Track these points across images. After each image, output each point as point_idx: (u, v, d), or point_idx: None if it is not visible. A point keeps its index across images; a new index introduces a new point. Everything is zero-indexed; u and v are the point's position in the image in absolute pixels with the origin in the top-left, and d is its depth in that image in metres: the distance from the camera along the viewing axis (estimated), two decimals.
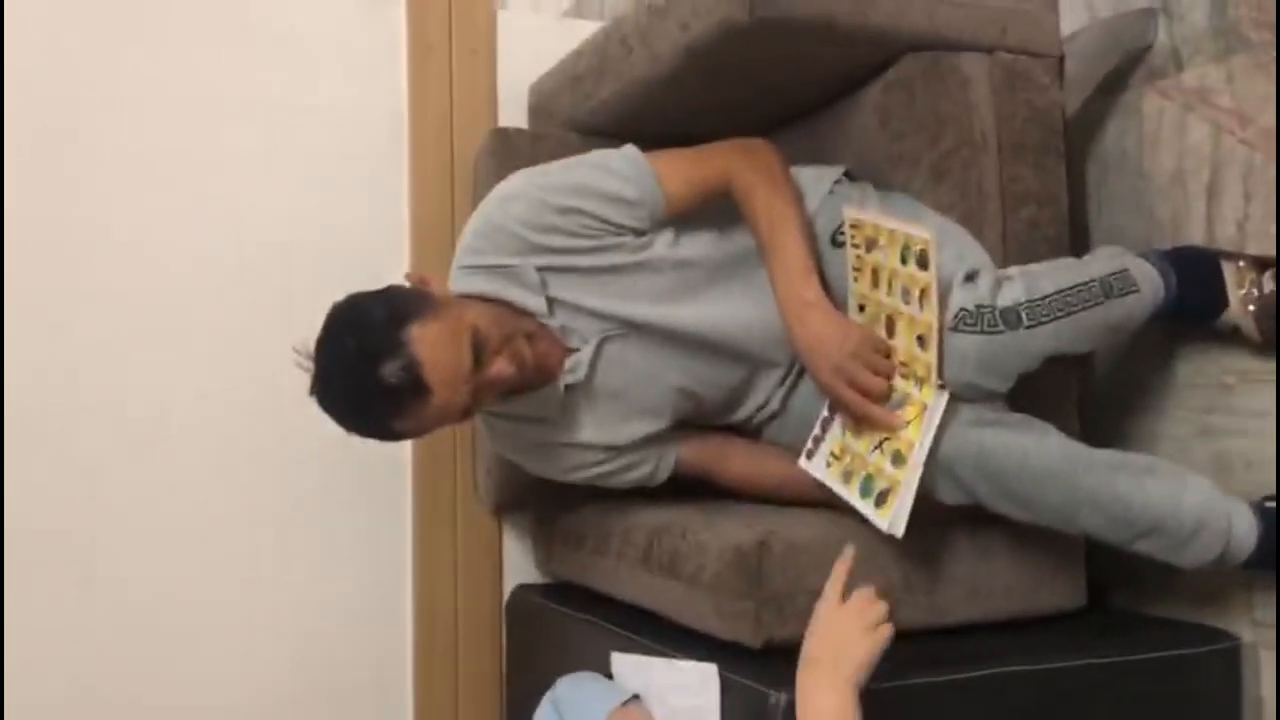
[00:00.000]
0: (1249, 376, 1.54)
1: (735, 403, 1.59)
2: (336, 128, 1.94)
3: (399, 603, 1.95)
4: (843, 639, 1.13)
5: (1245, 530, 1.35)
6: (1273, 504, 1.40)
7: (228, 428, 1.86)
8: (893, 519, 1.27)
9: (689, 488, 1.67)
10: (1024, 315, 1.30)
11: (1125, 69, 1.71)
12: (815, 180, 1.57)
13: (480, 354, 1.35)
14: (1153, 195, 1.68)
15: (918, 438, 1.28)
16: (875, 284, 1.36)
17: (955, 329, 1.29)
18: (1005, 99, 1.52)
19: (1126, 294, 1.40)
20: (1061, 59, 1.58)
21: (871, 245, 1.35)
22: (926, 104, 1.51)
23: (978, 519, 1.42)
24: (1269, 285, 1.46)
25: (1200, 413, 1.60)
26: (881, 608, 1.16)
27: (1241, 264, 1.49)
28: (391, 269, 1.92)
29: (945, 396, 1.27)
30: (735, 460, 1.62)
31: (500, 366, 1.37)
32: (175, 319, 1.84)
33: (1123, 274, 1.41)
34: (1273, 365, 1.51)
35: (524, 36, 2.04)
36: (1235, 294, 1.47)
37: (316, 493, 1.89)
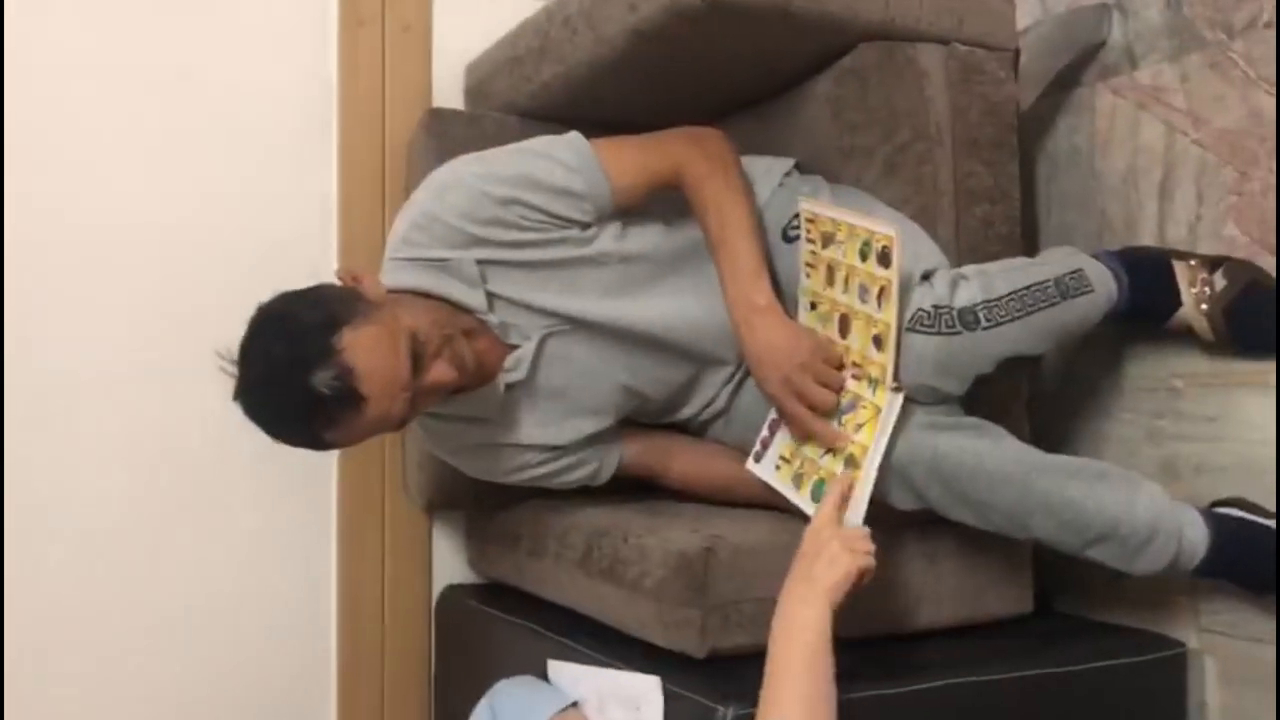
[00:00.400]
0: (1198, 380, 1.52)
1: (681, 401, 1.54)
2: (262, 105, 1.84)
3: (323, 602, 1.86)
4: (826, 551, 1.16)
5: (1197, 538, 1.33)
6: (1224, 510, 1.38)
7: (142, 415, 1.75)
8: (846, 525, 1.22)
9: (629, 486, 1.61)
10: (982, 316, 1.26)
11: (1078, 65, 1.68)
12: (765, 172, 1.52)
13: (419, 359, 1.27)
14: (1104, 194, 1.65)
15: (871, 441, 1.23)
16: (830, 281, 1.31)
17: (912, 329, 1.24)
18: (960, 92, 1.48)
19: (1081, 294, 1.37)
20: (1017, 53, 1.54)
21: (828, 240, 1.30)
22: (881, 96, 1.46)
23: (926, 525, 1.39)
24: (1220, 283, 1.44)
25: (1149, 416, 1.58)
26: (869, 544, 1.18)
27: (1193, 262, 1.47)
28: (319, 253, 1.85)
29: (900, 398, 1.23)
30: (680, 460, 1.56)
31: (440, 371, 1.29)
32: (85, 302, 1.73)
33: (1078, 274, 1.38)
34: (1222, 368, 1.49)
35: (461, 13, 1.95)
36: (1188, 293, 1.45)
37: (237, 488, 1.80)
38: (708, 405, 1.54)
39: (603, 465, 1.54)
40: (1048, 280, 1.33)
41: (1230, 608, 1.47)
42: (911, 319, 1.24)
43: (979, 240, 1.48)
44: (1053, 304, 1.33)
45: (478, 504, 1.82)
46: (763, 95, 1.66)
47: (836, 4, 1.43)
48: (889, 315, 1.22)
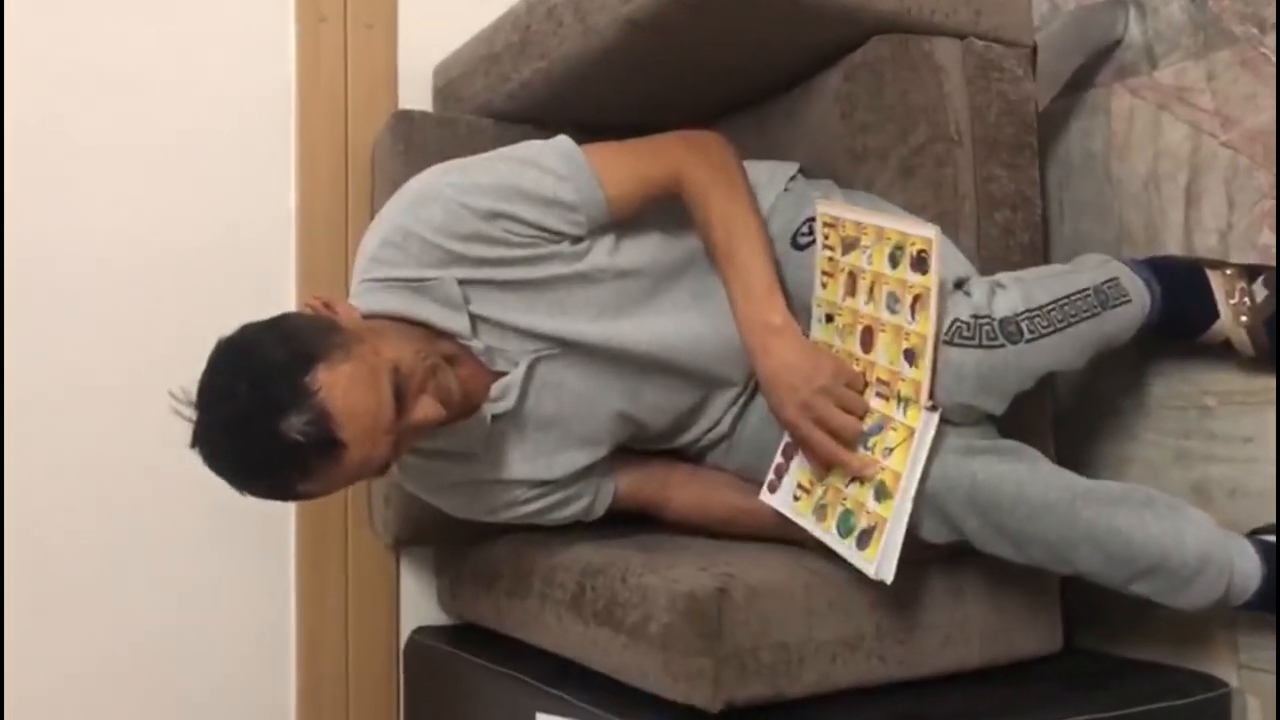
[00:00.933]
0: (1232, 398, 1.42)
1: (682, 427, 1.41)
2: (212, 107, 1.71)
3: (281, 647, 1.72)
4: None
5: (1249, 569, 1.22)
6: (1267, 537, 1.28)
7: (86, 444, 1.60)
8: (880, 562, 1.10)
9: (620, 519, 1.47)
10: (1024, 327, 1.15)
11: (1091, 65, 1.58)
12: (769, 177, 1.40)
13: (402, 395, 1.13)
14: (1123, 201, 1.55)
15: (905, 467, 1.11)
16: (851, 290, 1.19)
17: (950, 343, 1.12)
18: (979, 90, 1.38)
19: (1120, 304, 1.26)
20: (1034, 49, 1.44)
21: (850, 246, 1.18)
22: (897, 92, 1.35)
23: (951, 555, 1.27)
24: (1261, 293, 1.34)
25: (1176, 437, 1.48)
26: None
27: (1229, 271, 1.37)
28: (276, 266, 1.71)
29: (936, 418, 1.11)
30: (680, 491, 1.43)
31: (426, 408, 1.15)
32: (24, 322, 1.57)
33: (1115, 283, 1.27)
34: (1259, 385, 1.39)
35: (429, 11, 1.83)
36: (1226, 304, 1.35)
37: (186, 522, 1.64)
38: (710, 430, 1.41)
39: (596, 499, 1.40)
40: (1087, 289, 1.23)
41: (1271, 642, 1.36)
42: (949, 331, 1.13)
43: (1000, 249, 1.37)
44: (1094, 314, 1.22)
45: (450, 539, 1.68)
46: (763, 94, 1.55)
47: None
48: (924, 326, 1.10)
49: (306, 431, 1.06)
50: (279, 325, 1.14)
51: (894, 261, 1.12)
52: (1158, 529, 1.19)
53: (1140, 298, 1.31)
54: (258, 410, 1.07)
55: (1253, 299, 1.34)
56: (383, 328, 1.20)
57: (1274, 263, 1.37)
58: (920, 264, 1.09)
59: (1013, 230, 1.38)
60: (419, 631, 1.75)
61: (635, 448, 1.44)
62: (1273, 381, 1.38)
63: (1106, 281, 1.26)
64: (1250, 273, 1.36)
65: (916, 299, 1.10)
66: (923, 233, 1.08)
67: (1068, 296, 1.20)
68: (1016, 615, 1.36)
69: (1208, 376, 1.45)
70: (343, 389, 1.08)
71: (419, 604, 1.79)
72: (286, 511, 1.71)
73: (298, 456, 1.07)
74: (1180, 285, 1.36)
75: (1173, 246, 1.49)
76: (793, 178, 1.41)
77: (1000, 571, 1.31)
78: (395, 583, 1.78)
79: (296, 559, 1.72)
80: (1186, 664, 1.43)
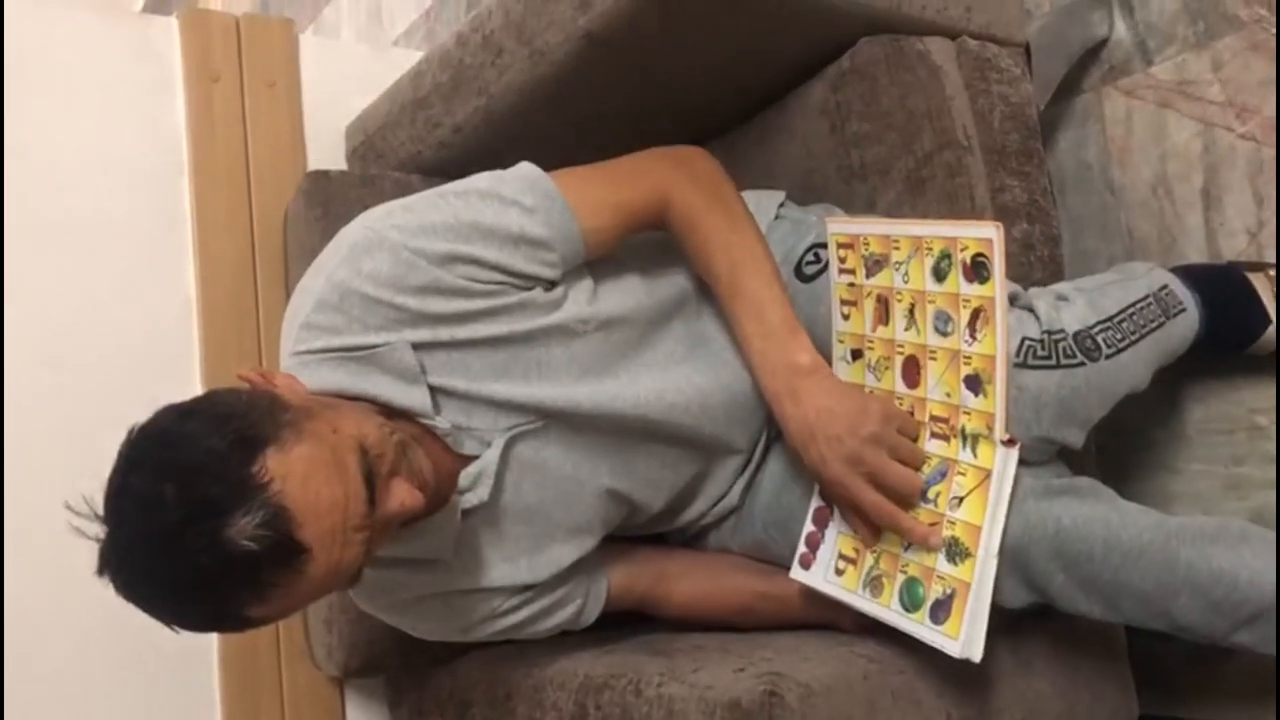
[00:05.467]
0: None
1: (682, 504, 1.19)
2: (93, 186, 1.47)
3: None
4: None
5: None
6: None
7: None
8: (966, 637, 0.91)
9: (604, 621, 1.25)
10: (1101, 341, 0.98)
11: (1076, 70, 1.46)
12: (755, 206, 1.21)
13: (372, 482, 0.90)
14: (1128, 211, 1.42)
15: (984, 517, 0.92)
16: (884, 318, 1.01)
17: (1024, 364, 0.95)
18: (979, 93, 1.23)
19: (1179, 313, 1.11)
20: (1028, 47, 1.31)
21: (878, 265, 1.00)
22: (895, 98, 1.19)
23: (1015, 620, 1.08)
24: None
25: (1226, 464, 1.32)
26: None
27: (1272, 272, 1.23)
28: (177, 363, 1.47)
29: (1016, 453, 0.93)
30: (680, 582, 1.21)
31: (402, 495, 0.92)
32: None
33: (1168, 290, 1.13)
34: None
35: (335, 66, 1.63)
36: (1276, 308, 1.21)
37: (81, 669, 1.37)
38: (715, 504, 1.20)
39: (587, 602, 1.17)
40: (1147, 296, 1.07)
41: None
42: (1020, 352, 0.95)
43: (1022, 266, 1.21)
44: (1159, 324, 1.06)
45: (406, 664, 1.43)
46: (730, 118, 1.38)
47: None
48: (989, 345, 0.92)
49: (259, 536, 0.82)
50: (208, 405, 0.90)
51: (939, 275, 0.94)
52: (1260, 566, 1.01)
53: (1193, 306, 1.16)
54: (193, 515, 0.82)
55: None
56: (334, 403, 0.97)
57: None
58: (978, 271, 0.91)
59: (1032, 244, 1.23)
60: None
61: (622, 535, 1.23)
62: None
63: (1161, 289, 1.11)
64: None
65: (976, 314, 0.92)
66: (979, 233, 0.90)
67: (1134, 305, 1.05)
68: (1090, 686, 1.17)
69: (1255, 393, 1.30)
70: (300, 477, 0.85)
71: None
72: (208, 648, 1.45)
73: (250, 570, 0.83)
74: (1222, 292, 1.22)
75: (1194, 254, 1.35)
76: (781, 204, 1.24)
77: (1066, 634, 1.14)
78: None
79: (223, 705, 1.45)
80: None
